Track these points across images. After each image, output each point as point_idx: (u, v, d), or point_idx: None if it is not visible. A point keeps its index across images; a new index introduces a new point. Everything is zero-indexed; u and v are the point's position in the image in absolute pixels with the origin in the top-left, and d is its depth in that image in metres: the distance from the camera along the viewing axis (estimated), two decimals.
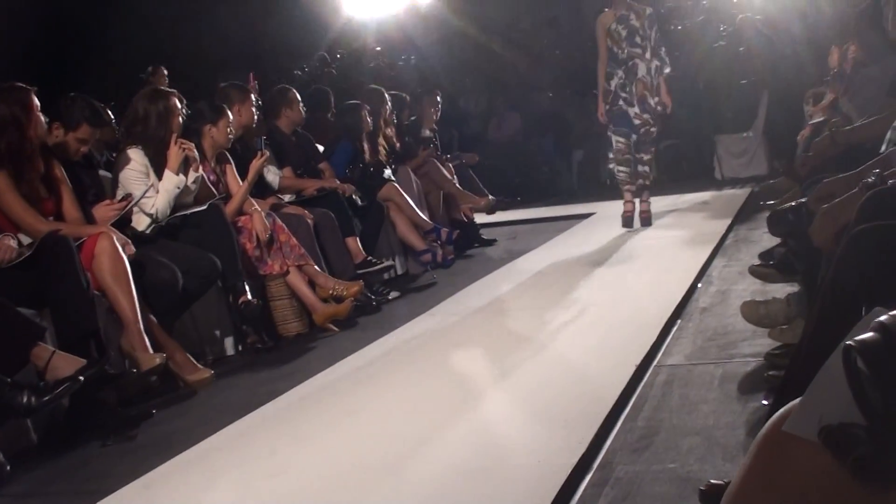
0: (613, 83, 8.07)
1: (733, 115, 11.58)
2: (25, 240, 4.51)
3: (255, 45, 12.68)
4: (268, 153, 6.21)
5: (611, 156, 8.61)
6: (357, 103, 7.81)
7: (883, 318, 1.14)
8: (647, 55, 8.03)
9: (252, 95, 6.55)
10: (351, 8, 13.43)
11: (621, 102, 8.07)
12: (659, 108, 8.14)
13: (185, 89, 6.09)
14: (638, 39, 8.02)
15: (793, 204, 3.34)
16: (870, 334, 1.14)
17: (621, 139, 8.17)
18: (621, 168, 8.30)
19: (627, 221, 8.26)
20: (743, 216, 8.30)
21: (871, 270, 1.93)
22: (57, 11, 11.07)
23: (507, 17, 15.23)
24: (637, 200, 8.39)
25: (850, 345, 1.14)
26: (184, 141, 5.44)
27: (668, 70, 8.17)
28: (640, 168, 8.30)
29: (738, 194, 9.88)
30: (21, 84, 4.68)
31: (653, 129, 8.21)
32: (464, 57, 14.63)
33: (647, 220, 8.36)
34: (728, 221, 7.92)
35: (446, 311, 5.94)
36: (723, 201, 9.51)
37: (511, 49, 14.59)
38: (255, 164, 5.92)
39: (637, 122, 8.08)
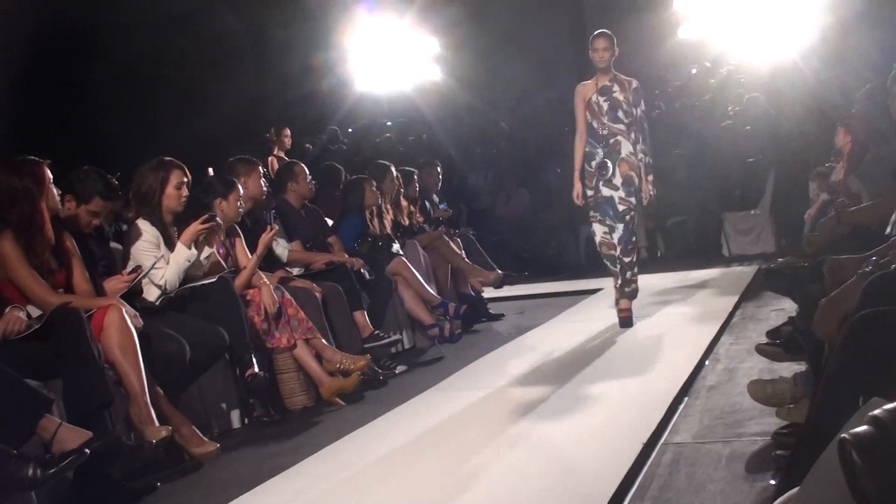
0: (595, 163, 7.15)
1: (741, 193, 11.65)
2: (34, 311, 4.53)
3: (268, 117, 12.82)
4: (277, 227, 6.26)
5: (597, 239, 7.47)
6: (362, 178, 7.87)
7: (877, 411, 1.15)
8: (632, 134, 7.12)
9: (259, 168, 6.61)
10: (363, 83, 13.61)
11: (603, 186, 7.14)
12: (646, 193, 7.18)
13: (197, 162, 6.16)
14: (621, 114, 7.11)
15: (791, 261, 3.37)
16: (864, 427, 1.16)
17: (605, 231, 7.24)
18: (610, 262, 7.35)
19: (625, 322, 7.23)
20: (750, 294, 8.30)
21: (871, 356, 1.95)
22: (75, 85, 11.23)
23: (517, 93, 15.41)
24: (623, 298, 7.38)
25: (845, 438, 1.16)
26: (207, 218, 5.49)
27: (648, 160, 7.18)
28: (626, 274, 7.28)
29: (746, 271, 9.89)
30: (34, 157, 4.75)
31: (636, 216, 7.34)
32: (473, 132, 14.78)
33: (627, 321, 7.24)
34: (735, 299, 7.92)
35: (454, 386, 5.93)
36: (730, 278, 9.52)
37: (520, 125, 14.75)
38: (264, 238, 5.96)
39: (622, 207, 7.12)
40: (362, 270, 7.04)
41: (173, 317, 5.27)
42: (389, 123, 14.41)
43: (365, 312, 6.70)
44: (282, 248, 6.73)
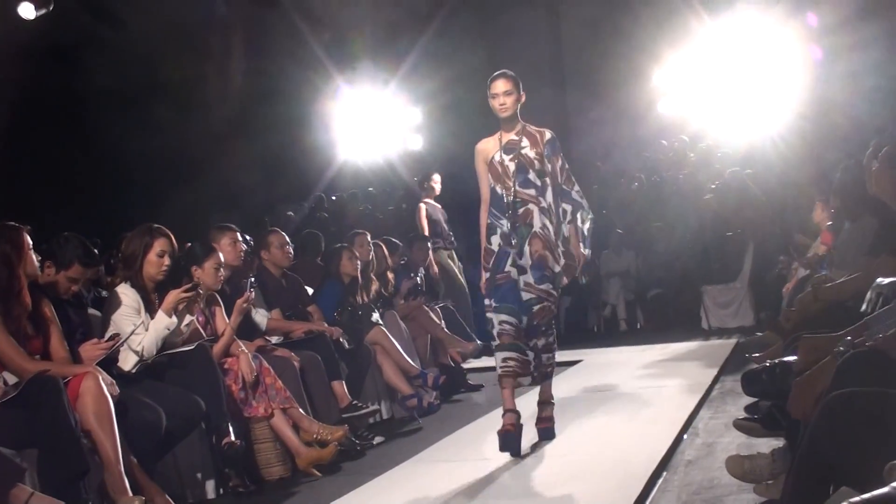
0: (496, 240, 5.80)
1: (720, 266, 11.71)
2: (11, 378, 4.50)
3: (251, 186, 12.87)
4: (252, 294, 6.24)
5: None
6: (343, 246, 7.89)
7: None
8: (547, 197, 5.81)
9: (237, 235, 6.61)
10: (346, 152, 13.71)
11: (508, 268, 5.74)
12: (579, 256, 5.92)
13: (180, 231, 6.16)
14: (533, 176, 5.79)
15: (766, 364, 3.39)
16: None
17: (506, 319, 5.71)
18: (507, 357, 5.74)
19: (507, 441, 5.58)
20: (729, 367, 8.31)
21: (843, 438, 1.96)
22: (52, 154, 11.28)
23: None
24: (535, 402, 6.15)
25: None
26: (189, 287, 5.49)
27: (588, 217, 5.95)
28: (540, 356, 5.85)
29: (725, 345, 9.92)
30: (14, 223, 4.75)
31: (552, 307, 5.79)
32: (454, 202, 14.84)
33: (548, 432, 5.96)
34: (714, 372, 7.93)
35: (432, 458, 5.90)
36: (709, 351, 9.53)
37: None
38: (238, 304, 5.93)
39: (529, 295, 5.70)
40: (341, 339, 7.03)
41: (150, 385, 5.23)
42: (371, 189, 14.46)
43: (343, 382, 6.67)
44: (261, 317, 6.72)
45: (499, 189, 5.82)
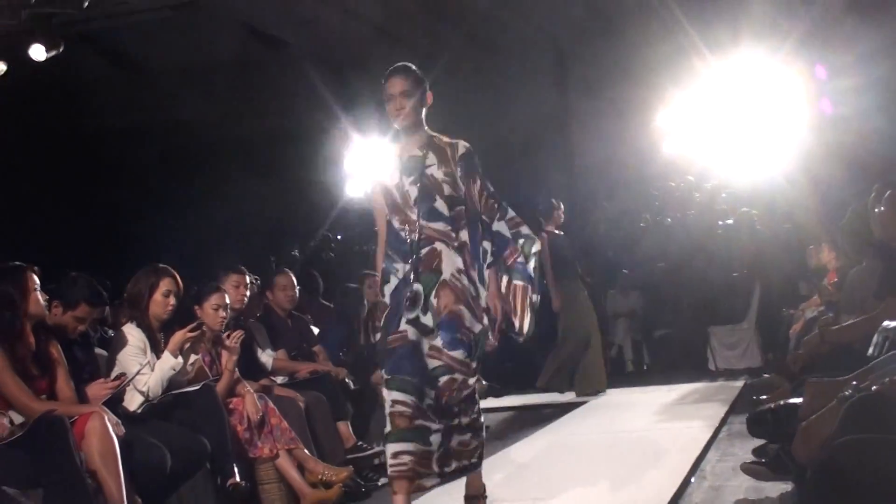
0: (390, 288, 4.52)
1: (727, 307, 11.70)
2: (17, 418, 4.51)
3: (256, 224, 12.91)
4: (242, 332, 6.14)
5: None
6: (353, 287, 7.92)
7: None
8: (462, 234, 4.51)
9: (244, 276, 6.62)
10: (352, 190, 13.74)
11: (404, 326, 4.42)
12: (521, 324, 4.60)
13: (186, 272, 6.19)
14: (441, 204, 4.49)
15: (771, 406, 3.38)
16: None
17: (400, 398, 4.38)
18: (399, 450, 4.40)
19: None
20: (737, 409, 8.27)
21: (847, 484, 1.95)
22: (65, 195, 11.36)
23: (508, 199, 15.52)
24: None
25: None
26: (194, 326, 5.50)
27: (532, 252, 4.61)
28: (454, 440, 4.52)
29: (732, 386, 9.87)
30: (19, 263, 4.80)
31: (467, 379, 4.44)
32: None
33: None
34: (722, 414, 7.89)
35: (435, 499, 5.86)
36: (716, 393, 9.50)
37: None
38: (229, 342, 5.89)
39: (435, 363, 4.40)
40: (346, 380, 7.02)
41: (156, 424, 5.23)
42: (377, 230, 14.49)
43: (349, 423, 6.66)
44: (266, 357, 6.72)
45: (396, 222, 4.51)
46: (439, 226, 4.48)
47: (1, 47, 10.30)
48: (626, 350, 12.77)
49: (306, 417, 6.26)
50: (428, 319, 4.42)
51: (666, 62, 13.72)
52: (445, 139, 4.63)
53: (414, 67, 4.69)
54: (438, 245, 4.47)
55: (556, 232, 10.40)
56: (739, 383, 10.02)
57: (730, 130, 13.51)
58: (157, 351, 5.48)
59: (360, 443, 6.61)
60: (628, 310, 12.78)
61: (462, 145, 4.61)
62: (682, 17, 12.68)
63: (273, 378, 6.67)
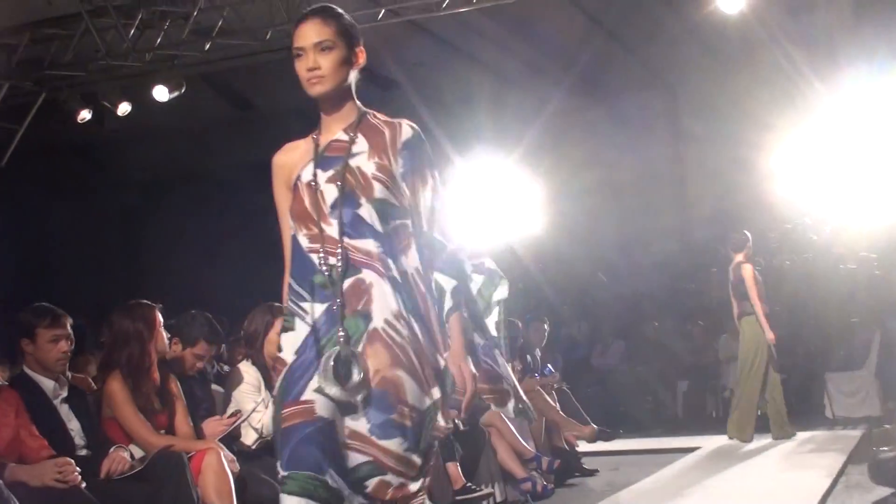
0: (290, 340, 3.03)
1: (845, 353, 11.40)
2: (137, 452, 4.64)
3: None
4: None
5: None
6: None
7: None
8: (403, 261, 3.07)
9: None
10: (461, 236, 13.77)
11: (309, 395, 2.93)
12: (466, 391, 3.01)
13: None
14: (369, 212, 3.04)
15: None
16: None
17: None
18: None
19: None
20: (855, 459, 8.03)
21: None
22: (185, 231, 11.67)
23: (617, 241, 15.44)
24: None
25: None
26: None
27: (494, 300, 3.52)
28: None
29: (851, 435, 9.59)
30: (146, 301, 4.97)
31: (410, 486, 2.98)
32: (570, 282, 14.83)
33: None
34: (840, 464, 7.67)
35: None
36: (834, 441, 9.24)
37: (619, 275, 14.77)
38: None
39: (360, 458, 2.95)
40: (456, 421, 7.02)
41: (269, 462, 5.28)
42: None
43: (458, 464, 6.64)
44: None
45: (304, 238, 3.05)
46: (368, 245, 2.98)
47: (126, 88, 10.69)
48: None
49: None
50: (349, 390, 2.90)
51: (779, 100, 13.52)
52: (383, 117, 3.20)
53: (339, 10, 3.22)
54: (367, 275, 2.97)
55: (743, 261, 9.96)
56: (858, 432, 9.73)
57: (847, 170, 13.20)
58: (272, 389, 5.56)
59: (468, 484, 6.59)
60: None
61: (407, 126, 3.16)
62: (795, 53, 12.50)
63: None
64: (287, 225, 3.15)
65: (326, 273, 2.99)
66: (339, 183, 3.04)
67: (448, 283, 3.09)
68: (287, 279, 3.10)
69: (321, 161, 3.10)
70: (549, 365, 9.57)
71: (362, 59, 3.19)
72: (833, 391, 11.22)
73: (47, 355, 4.58)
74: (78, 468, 4.13)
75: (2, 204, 10.72)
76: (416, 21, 11.12)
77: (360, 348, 2.95)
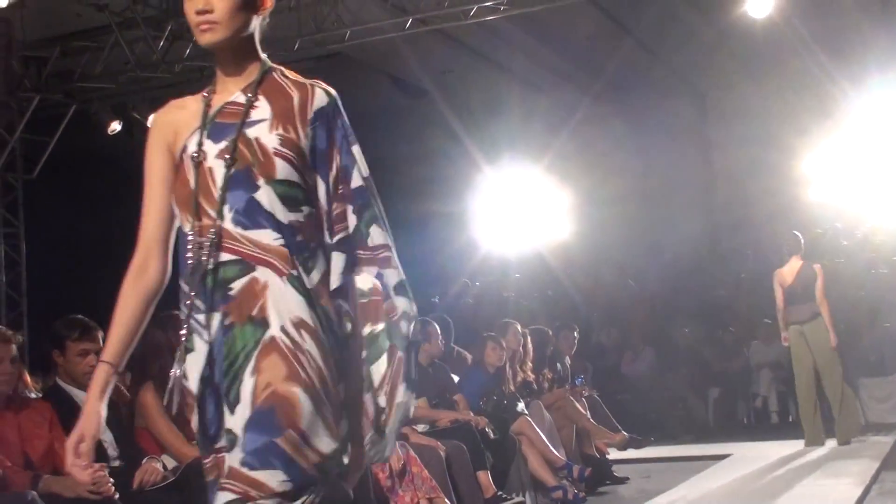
0: (193, 364, 2.50)
1: (877, 358, 11.30)
2: (170, 462, 4.67)
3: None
4: None
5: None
6: (493, 335, 7.95)
7: None
8: (311, 256, 2.45)
9: None
10: (490, 243, 13.80)
11: (224, 441, 2.41)
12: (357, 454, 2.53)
13: None
14: (268, 197, 2.41)
15: None
16: None
17: None
18: None
19: None
20: (890, 465, 7.97)
21: None
22: None
23: (646, 247, 15.38)
24: None
25: None
26: None
27: (401, 329, 2.50)
28: None
29: (884, 441, 9.50)
30: (174, 312, 4.98)
31: None
32: (599, 288, 14.79)
33: None
34: (873, 471, 7.60)
35: None
36: (867, 448, 9.15)
37: (648, 281, 14.73)
38: None
39: (227, 497, 2.34)
40: (487, 429, 7.03)
41: None
42: (518, 276, 14.52)
43: (488, 472, 6.66)
44: None
45: (188, 228, 2.48)
46: (265, 238, 2.39)
47: (156, 100, 10.77)
48: (771, 401, 12.43)
49: (447, 466, 6.29)
50: (237, 412, 2.35)
51: (808, 105, 13.46)
52: (294, 76, 2.58)
53: None
54: (263, 274, 2.38)
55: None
56: (891, 438, 9.63)
57: (879, 174, 13.11)
58: None
59: (499, 492, 6.61)
60: (772, 360, 12.44)
61: (322, 91, 2.53)
62: (823, 57, 12.43)
63: (414, 427, 6.73)
64: (155, 200, 2.52)
65: (211, 270, 2.41)
66: (229, 158, 2.41)
67: (369, 283, 2.49)
68: (135, 281, 2.55)
69: (211, 129, 2.45)
70: (581, 376, 9.54)
71: (269, 2, 2.58)
72: (865, 397, 11.12)
73: (76, 368, 4.61)
74: (111, 479, 4.14)
75: (33, 215, 10.82)
76: (444, 30, 11.13)
77: (251, 364, 2.34)
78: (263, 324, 2.38)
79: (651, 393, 12.55)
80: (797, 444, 9.55)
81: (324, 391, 2.37)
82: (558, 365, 9.18)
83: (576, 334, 9.70)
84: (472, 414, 7.13)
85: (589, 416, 8.68)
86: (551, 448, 7.51)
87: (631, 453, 9.13)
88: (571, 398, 8.59)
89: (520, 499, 6.88)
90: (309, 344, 2.37)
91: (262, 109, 2.47)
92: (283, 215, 2.41)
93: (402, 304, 2.51)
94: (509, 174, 13.51)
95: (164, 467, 4.60)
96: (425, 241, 13.49)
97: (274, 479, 2.29)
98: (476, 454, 6.62)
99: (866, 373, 11.22)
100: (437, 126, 13.69)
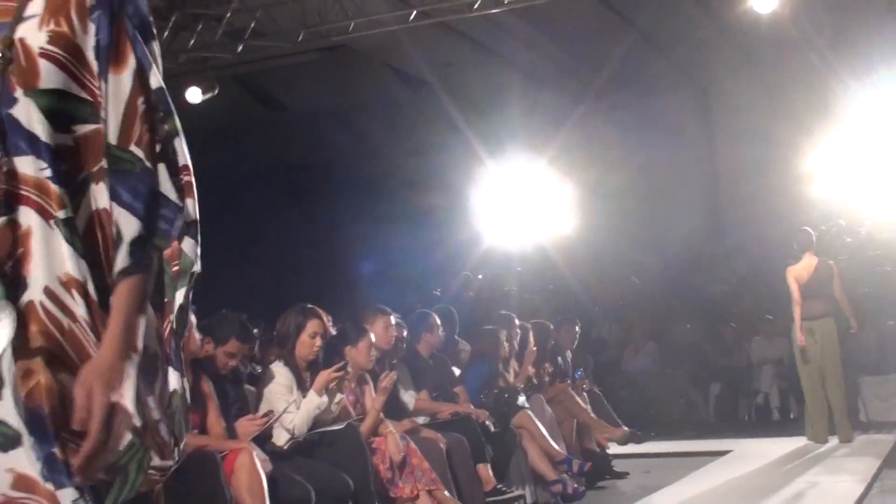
0: None
1: (880, 356, 11.29)
2: None
3: (398, 263, 13.08)
4: (395, 375, 6.23)
5: None
6: (494, 328, 7.94)
7: None
8: (91, 191, 1.87)
9: (390, 318, 6.71)
10: (492, 236, 13.77)
11: None
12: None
13: (334, 309, 6.31)
14: (31, 116, 1.81)
15: None
16: None
17: None
18: None
19: None
20: (891, 463, 7.96)
21: None
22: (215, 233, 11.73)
23: (649, 241, 15.34)
24: None
25: None
26: (340, 367, 5.59)
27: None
28: None
29: (885, 440, 9.48)
30: None
31: None
32: (603, 284, 14.76)
33: None
34: (874, 469, 7.59)
35: None
36: (868, 445, 9.14)
37: (650, 278, 14.70)
38: (381, 384, 5.98)
39: None
40: (487, 422, 7.02)
41: (300, 462, 5.33)
42: (520, 269, 14.49)
43: (489, 465, 6.64)
44: (409, 397, 6.78)
45: None
46: (25, 166, 1.83)
47: None
48: (773, 398, 12.40)
49: (447, 459, 6.27)
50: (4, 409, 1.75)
51: (813, 100, 13.41)
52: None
53: None
54: (25, 216, 1.82)
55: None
56: (893, 436, 9.62)
57: (883, 171, 13.07)
58: (304, 389, 5.58)
59: (499, 486, 6.59)
60: (774, 357, 12.43)
61: None
62: (828, 52, 12.39)
63: (414, 419, 6.71)
64: None
65: None
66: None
67: (129, 226, 1.84)
68: None
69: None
70: (581, 369, 9.52)
71: None
72: (867, 394, 11.10)
73: None
74: None
75: None
76: (447, 22, 11.11)
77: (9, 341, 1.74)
78: (19, 284, 1.77)
79: (652, 388, 12.54)
80: (798, 441, 9.54)
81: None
82: (559, 359, 9.15)
83: (577, 329, 9.68)
84: (472, 407, 7.11)
85: (590, 410, 8.67)
86: (552, 442, 7.49)
87: (631, 448, 9.11)
88: (572, 392, 8.57)
89: (520, 492, 6.85)
90: (81, 311, 1.79)
91: (38, 2, 1.86)
92: (49, 136, 1.82)
93: (189, 247, 1.95)
94: (512, 167, 13.46)
95: None
96: (427, 233, 13.51)
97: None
98: (476, 447, 6.59)
99: (868, 371, 11.19)
100: (438, 119, 13.68)
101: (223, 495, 4.37)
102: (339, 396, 5.71)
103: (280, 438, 5.46)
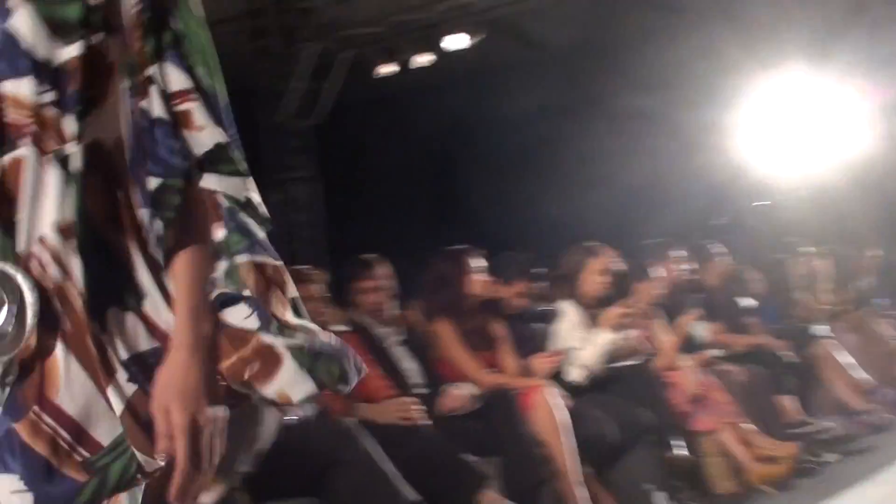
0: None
1: None
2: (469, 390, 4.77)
3: (677, 194, 12.78)
4: (697, 313, 6.14)
5: None
6: (782, 257, 7.69)
7: None
8: (101, 122, 1.51)
9: (677, 252, 6.58)
10: (772, 160, 13.18)
11: None
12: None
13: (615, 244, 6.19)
14: (23, 20, 1.46)
15: None
16: None
17: None
18: None
19: None
20: None
21: None
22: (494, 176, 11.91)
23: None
24: None
25: None
26: (630, 302, 5.54)
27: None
28: None
29: None
30: (458, 247, 5.20)
31: None
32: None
33: None
34: None
35: (889, 481, 5.47)
36: None
37: None
38: (682, 323, 5.91)
39: None
40: (785, 354, 6.75)
41: (597, 397, 5.31)
42: (805, 194, 13.83)
43: (791, 397, 6.41)
44: (702, 330, 6.62)
45: None
46: (22, 89, 1.49)
47: (421, 39, 10.95)
48: None
49: (746, 391, 6.09)
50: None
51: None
52: None
53: None
54: (24, 153, 1.49)
55: None
56: None
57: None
58: (594, 326, 5.55)
59: (804, 418, 6.35)
60: None
61: None
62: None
63: (709, 352, 6.55)
64: None
65: None
66: None
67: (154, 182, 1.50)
68: None
69: None
70: (882, 298, 8.99)
71: None
72: None
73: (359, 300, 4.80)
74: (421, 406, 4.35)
75: (318, 158, 11.25)
76: None
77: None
78: (9, 230, 1.50)
79: None
80: None
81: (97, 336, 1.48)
82: (857, 286, 8.68)
83: (878, 254, 9.12)
84: (769, 338, 6.87)
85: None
86: (856, 371, 7.14)
87: None
88: (873, 320, 8.12)
89: (826, 424, 6.55)
90: (78, 269, 1.48)
91: None
92: (49, 51, 1.48)
93: (214, 183, 1.53)
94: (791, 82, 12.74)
95: (468, 395, 4.70)
96: (702, 159, 13.13)
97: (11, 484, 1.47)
98: (777, 379, 6.42)
99: None
100: (699, 44, 13.18)
101: (524, 432, 4.46)
102: (629, 332, 5.65)
103: (574, 375, 5.45)
